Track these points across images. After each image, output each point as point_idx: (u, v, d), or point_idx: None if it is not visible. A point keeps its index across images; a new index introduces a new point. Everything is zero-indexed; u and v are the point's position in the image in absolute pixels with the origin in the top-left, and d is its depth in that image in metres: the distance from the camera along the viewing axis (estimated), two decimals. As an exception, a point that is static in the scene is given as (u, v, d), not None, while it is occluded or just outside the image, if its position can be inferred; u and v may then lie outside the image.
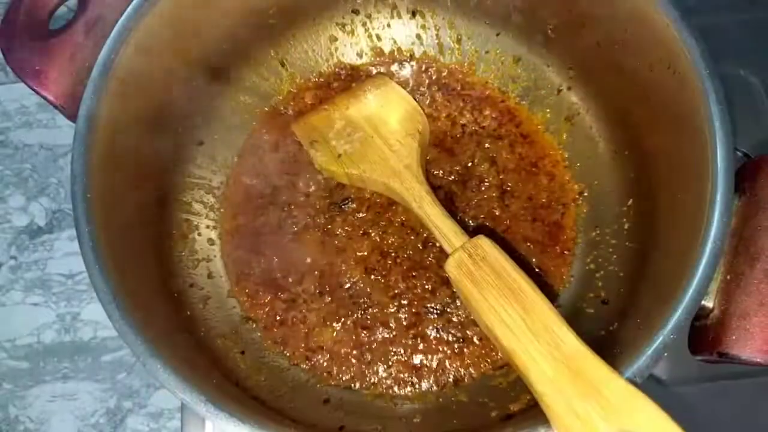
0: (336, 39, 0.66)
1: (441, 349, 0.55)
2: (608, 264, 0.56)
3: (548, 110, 0.62)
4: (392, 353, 0.56)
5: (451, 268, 0.48)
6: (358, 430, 0.50)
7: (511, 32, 0.62)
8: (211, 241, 0.60)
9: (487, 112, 0.63)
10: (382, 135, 0.60)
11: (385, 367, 0.55)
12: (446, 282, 0.56)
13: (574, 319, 0.50)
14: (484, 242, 0.48)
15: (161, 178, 0.57)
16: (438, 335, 0.56)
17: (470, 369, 0.55)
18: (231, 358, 0.53)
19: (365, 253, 0.58)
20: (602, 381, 0.38)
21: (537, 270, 0.58)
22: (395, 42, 0.66)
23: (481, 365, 0.55)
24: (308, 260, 0.58)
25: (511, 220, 0.59)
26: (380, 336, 0.56)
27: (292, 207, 0.60)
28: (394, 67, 0.66)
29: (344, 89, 0.65)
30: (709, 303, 0.43)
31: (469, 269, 0.47)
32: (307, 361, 0.56)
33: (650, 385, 0.39)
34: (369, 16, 0.65)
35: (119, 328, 0.42)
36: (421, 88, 0.65)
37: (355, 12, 0.65)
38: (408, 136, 0.59)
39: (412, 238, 0.59)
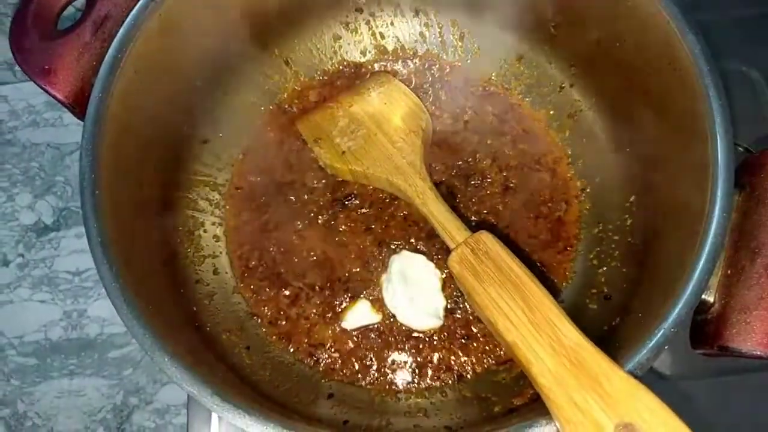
0: (340, 37, 0.66)
1: (445, 344, 0.56)
2: (610, 260, 0.56)
3: (551, 107, 0.63)
4: (396, 349, 0.56)
5: (453, 263, 0.49)
6: (362, 425, 0.50)
7: (514, 30, 0.62)
8: (216, 238, 0.60)
9: (489, 109, 0.64)
10: (385, 132, 0.60)
11: (389, 362, 0.56)
12: (450, 277, 0.57)
13: (576, 314, 0.50)
14: (486, 237, 0.48)
15: (167, 176, 0.57)
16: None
17: (474, 364, 0.55)
18: (237, 354, 0.54)
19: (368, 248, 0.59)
20: (603, 373, 0.38)
21: (539, 266, 0.58)
22: (398, 40, 0.67)
23: (485, 361, 0.55)
24: (312, 256, 0.59)
25: (514, 216, 0.59)
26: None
27: (296, 204, 0.61)
28: (398, 65, 0.67)
29: (348, 87, 0.65)
30: (710, 297, 0.43)
31: (472, 264, 0.47)
32: (311, 356, 0.56)
33: (653, 380, 0.39)
34: (372, 15, 0.66)
35: (127, 323, 0.43)
36: (424, 86, 0.65)
37: (359, 10, 0.65)
38: (411, 133, 0.60)
39: (415, 229, 0.59)
